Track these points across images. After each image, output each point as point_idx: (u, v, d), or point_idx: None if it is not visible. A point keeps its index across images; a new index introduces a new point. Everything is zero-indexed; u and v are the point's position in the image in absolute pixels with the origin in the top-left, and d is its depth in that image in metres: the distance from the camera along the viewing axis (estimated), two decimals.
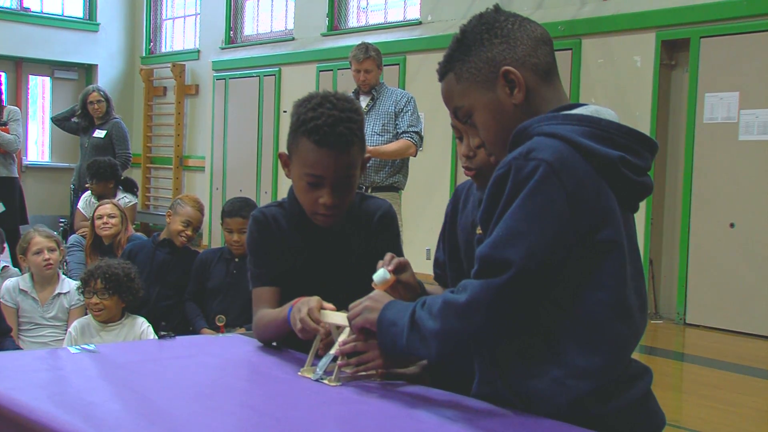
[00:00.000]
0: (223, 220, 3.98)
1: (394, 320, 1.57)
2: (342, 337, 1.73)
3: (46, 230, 4.11)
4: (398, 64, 8.54)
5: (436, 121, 7.34)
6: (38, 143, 12.25)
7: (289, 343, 2.04)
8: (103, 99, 7.07)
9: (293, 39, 10.17)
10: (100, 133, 7.02)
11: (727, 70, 6.33)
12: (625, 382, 1.51)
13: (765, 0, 6.16)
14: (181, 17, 12.35)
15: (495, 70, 1.57)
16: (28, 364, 1.84)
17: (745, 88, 6.22)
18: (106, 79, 11.98)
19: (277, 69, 10.15)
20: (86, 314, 3.66)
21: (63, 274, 4.19)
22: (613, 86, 6.99)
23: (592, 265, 1.47)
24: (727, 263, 6.29)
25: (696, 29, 6.51)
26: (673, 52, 6.82)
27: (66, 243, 5.06)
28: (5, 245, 4.64)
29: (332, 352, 1.72)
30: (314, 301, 1.79)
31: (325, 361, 1.72)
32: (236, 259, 3.95)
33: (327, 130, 1.92)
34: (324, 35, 9.70)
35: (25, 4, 11.76)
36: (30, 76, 12.01)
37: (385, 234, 2.10)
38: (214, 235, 10.43)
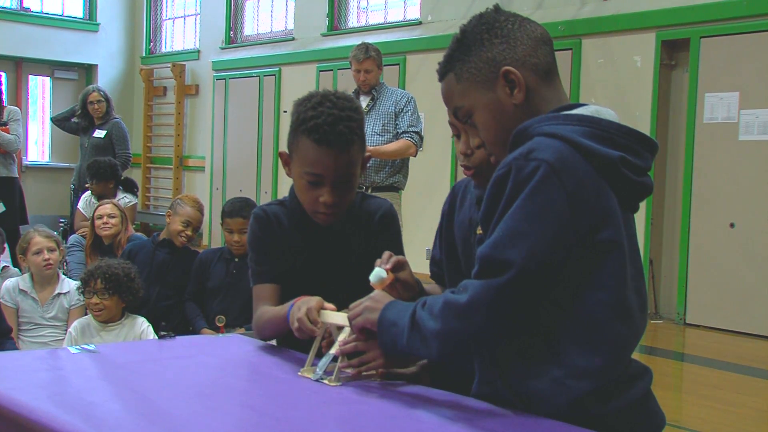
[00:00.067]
0: (224, 221, 3.98)
1: (395, 320, 1.57)
2: (341, 337, 1.73)
3: (45, 230, 4.11)
4: (398, 64, 8.54)
5: (436, 121, 7.33)
6: (38, 143, 12.25)
7: (289, 343, 2.04)
8: (103, 99, 7.07)
9: (293, 39, 10.17)
10: (100, 133, 7.02)
11: (727, 70, 6.33)
12: (625, 382, 1.51)
13: (765, 0, 6.16)
14: (181, 17, 12.35)
15: (495, 70, 1.57)
16: (28, 364, 1.84)
17: (745, 88, 6.22)
18: (106, 79, 11.98)
19: (277, 69, 10.15)
20: (86, 314, 3.66)
21: (63, 274, 4.19)
22: (613, 86, 6.99)
23: (593, 265, 1.47)
24: (727, 263, 6.29)
25: (696, 29, 6.51)
26: (673, 52, 6.82)
27: (66, 243, 5.06)
28: (5, 245, 4.64)
29: (332, 352, 1.72)
30: (315, 301, 1.79)
31: (325, 361, 1.72)
32: (236, 259, 3.95)
33: (327, 128, 1.92)
34: (324, 35, 9.70)
35: (25, 4, 11.76)
36: (30, 76, 12.01)
37: (385, 234, 2.10)
38: (214, 235, 10.43)
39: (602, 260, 1.47)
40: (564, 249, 1.44)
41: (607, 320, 1.47)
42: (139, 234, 4.82)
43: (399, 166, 5.43)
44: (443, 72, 1.66)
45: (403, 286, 1.79)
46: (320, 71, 9.46)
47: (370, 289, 1.72)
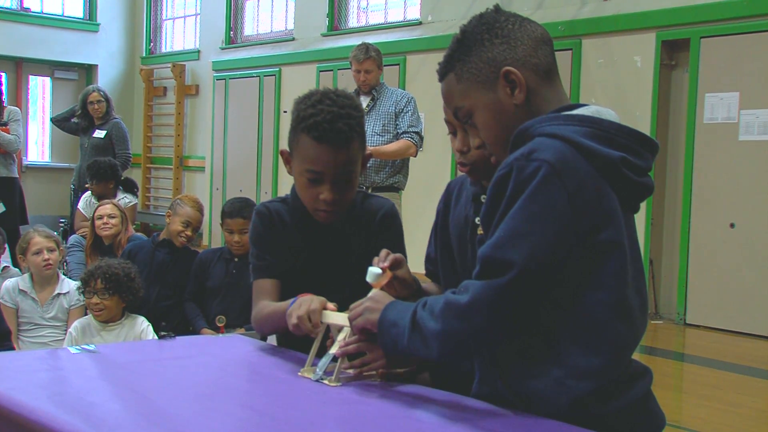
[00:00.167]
0: (223, 221, 3.97)
1: (395, 321, 1.57)
2: (341, 337, 1.73)
3: (45, 230, 4.10)
4: (398, 65, 8.54)
5: (436, 121, 7.31)
6: (38, 143, 12.25)
7: (290, 343, 2.04)
8: (103, 99, 7.07)
9: (293, 39, 10.17)
10: (100, 134, 7.02)
11: (728, 71, 6.33)
12: (626, 382, 1.51)
13: (765, 0, 6.16)
14: (181, 17, 12.35)
15: (496, 70, 1.57)
16: (28, 364, 1.84)
17: (746, 89, 6.22)
18: (106, 79, 11.98)
19: (277, 69, 10.15)
20: (86, 314, 3.66)
21: (63, 274, 4.18)
22: (614, 86, 6.99)
23: (593, 265, 1.47)
24: (727, 263, 6.29)
25: (696, 29, 6.51)
26: (674, 53, 6.82)
27: (66, 243, 5.06)
28: (6, 246, 4.64)
29: (332, 352, 1.72)
30: (318, 302, 1.78)
31: (325, 362, 1.72)
32: (236, 259, 3.95)
33: (326, 126, 1.92)
34: (324, 35, 9.70)
35: (25, 4, 11.77)
36: (30, 77, 12.01)
37: (387, 233, 2.10)
38: (214, 235, 10.43)
39: (603, 260, 1.47)
40: (565, 249, 1.44)
41: (607, 320, 1.47)
42: (139, 234, 4.82)
43: (399, 166, 5.43)
44: (443, 72, 1.66)
45: (401, 283, 1.79)
46: (320, 71, 9.46)
47: (371, 289, 1.72)
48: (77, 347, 1.95)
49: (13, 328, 3.82)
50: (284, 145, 2.10)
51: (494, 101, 1.58)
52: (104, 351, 1.94)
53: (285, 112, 9.61)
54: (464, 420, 1.48)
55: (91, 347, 1.96)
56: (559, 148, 1.45)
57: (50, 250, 3.95)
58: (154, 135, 12.25)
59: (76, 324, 3.56)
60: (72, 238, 5.19)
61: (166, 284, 4.06)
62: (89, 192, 6.03)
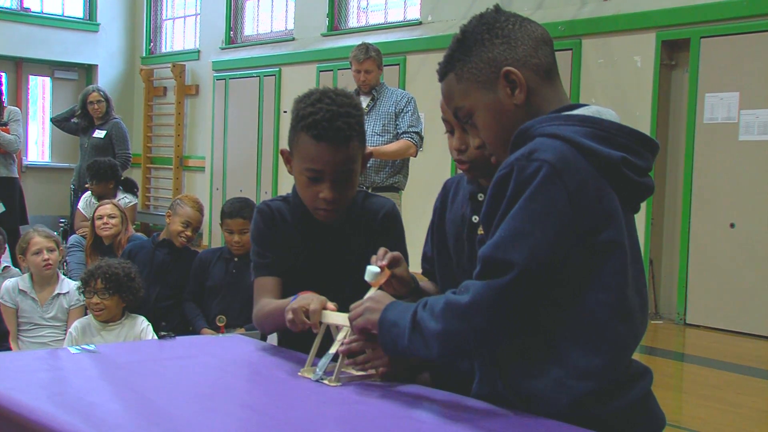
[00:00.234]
0: (223, 221, 3.97)
1: (396, 321, 1.57)
2: (341, 336, 1.73)
3: (45, 230, 4.10)
4: (398, 65, 8.54)
5: (436, 122, 7.26)
6: (38, 143, 12.25)
7: (290, 343, 2.04)
8: (103, 99, 7.07)
9: (293, 39, 10.17)
10: (99, 134, 7.02)
11: (728, 71, 6.33)
12: (626, 382, 1.51)
13: (765, 0, 6.16)
14: (181, 17, 12.35)
15: (496, 70, 1.57)
16: (28, 364, 1.84)
17: (746, 89, 6.22)
18: (106, 79, 11.98)
19: (277, 69, 10.15)
20: (86, 314, 3.66)
21: (63, 274, 4.18)
22: (614, 86, 6.99)
23: (594, 265, 1.47)
24: (727, 263, 6.29)
25: (696, 29, 6.51)
26: (674, 53, 6.81)
27: (66, 243, 5.06)
28: (6, 246, 4.64)
29: (332, 351, 1.72)
30: (318, 302, 1.78)
31: (325, 362, 1.72)
32: (236, 259, 3.94)
33: (325, 124, 1.93)
34: (324, 35, 9.70)
35: (25, 4, 11.76)
36: (30, 77, 12.01)
37: (388, 234, 2.10)
38: (214, 236, 10.43)
39: (603, 260, 1.47)
40: (566, 249, 1.44)
41: (607, 320, 1.47)
42: (139, 234, 4.82)
43: (399, 166, 5.43)
44: (444, 72, 1.66)
45: (399, 282, 1.80)
46: (320, 71, 9.46)
47: (370, 288, 1.73)
48: (77, 347, 1.95)
49: (13, 328, 3.82)
50: (284, 144, 2.10)
51: (494, 101, 1.58)
52: (104, 351, 1.94)
53: (285, 112, 9.61)
54: (464, 420, 1.48)
55: (91, 347, 1.96)
56: (559, 149, 1.45)
57: (50, 250, 3.95)
58: (154, 135, 12.25)
59: (76, 324, 3.56)
60: (72, 238, 5.19)
61: (166, 284, 4.06)
62: (89, 192, 6.02)
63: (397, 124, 5.38)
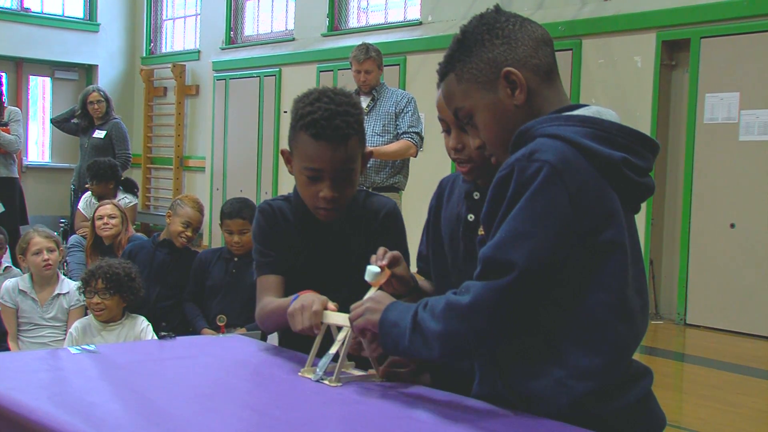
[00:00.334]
0: (223, 222, 3.96)
1: (396, 321, 1.57)
2: (341, 336, 1.73)
3: (45, 230, 4.10)
4: (398, 65, 8.54)
5: (437, 122, 7.29)
6: (38, 144, 12.25)
7: (291, 343, 2.04)
8: (103, 99, 7.07)
9: (293, 39, 10.17)
10: (99, 134, 7.02)
11: (728, 71, 6.33)
12: (626, 382, 1.51)
13: (765, 0, 6.16)
14: (181, 17, 12.35)
15: (496, 71, 1.57)
16: (28, 364, 1.84)
17: (746, 89, 6.22)
18: (106, 79, 11.98)
19: (277, 69, 10.15)
20: (86, 314, 3.66)
21: (63, 274, 4.18)
22: (614, 86, 6.99)
23: (594, 265, 1.47)
24: (728, 263, 6.30)
25: (696, 29, 6.51)
26: (674, 53, 6.82)
27: (66, 243, 5.06)
28: (7, 246, 4.65)
29: (332, 351, 1.72)
30: (319, 302, 1.78)
31: (325, 362, 1.72)
32: (236, 259, 3.94)
33: (324, 123, 1.93)
34: (324, 35, 9.70)
35: (26, 5, 11.77)
36: (30, 77, 12.01)
37: (388, 233, 2.10)
38: (214, 236, 10.43)
39: (604, 261, 1.47)
40: (566, 250, 1.44)
41: (608, 321, 1.47)
42: (139, 234, 4.82)
43: (399, 166, 5.43)
44: (444, 72, 1.66)
45: (399, 281, 1.80)
46: (320, 71, 9.46)
47: (370, 288, 1.73)
48: (77, 347, 1.95)
49: (13, 328, 3.82)
50: (284, 145, 2.10)
51: (495, 102, 1.58)
52: (104, 351, 1.94)
53: (285, 112, 9.61)
54: (464, 420, 1.48)
55: (92, 347, 1.96)
56: (560, 149, 1.45)
57: (50, 251, 3.95)
58: (154, 135, 12.25)
59: (76, 324, 3.56)
60: (72, 239, 5.19)
61: (167, 284, 4.06)
62: (89, 192, 6.02)
63: (397, 125, 5.38)
